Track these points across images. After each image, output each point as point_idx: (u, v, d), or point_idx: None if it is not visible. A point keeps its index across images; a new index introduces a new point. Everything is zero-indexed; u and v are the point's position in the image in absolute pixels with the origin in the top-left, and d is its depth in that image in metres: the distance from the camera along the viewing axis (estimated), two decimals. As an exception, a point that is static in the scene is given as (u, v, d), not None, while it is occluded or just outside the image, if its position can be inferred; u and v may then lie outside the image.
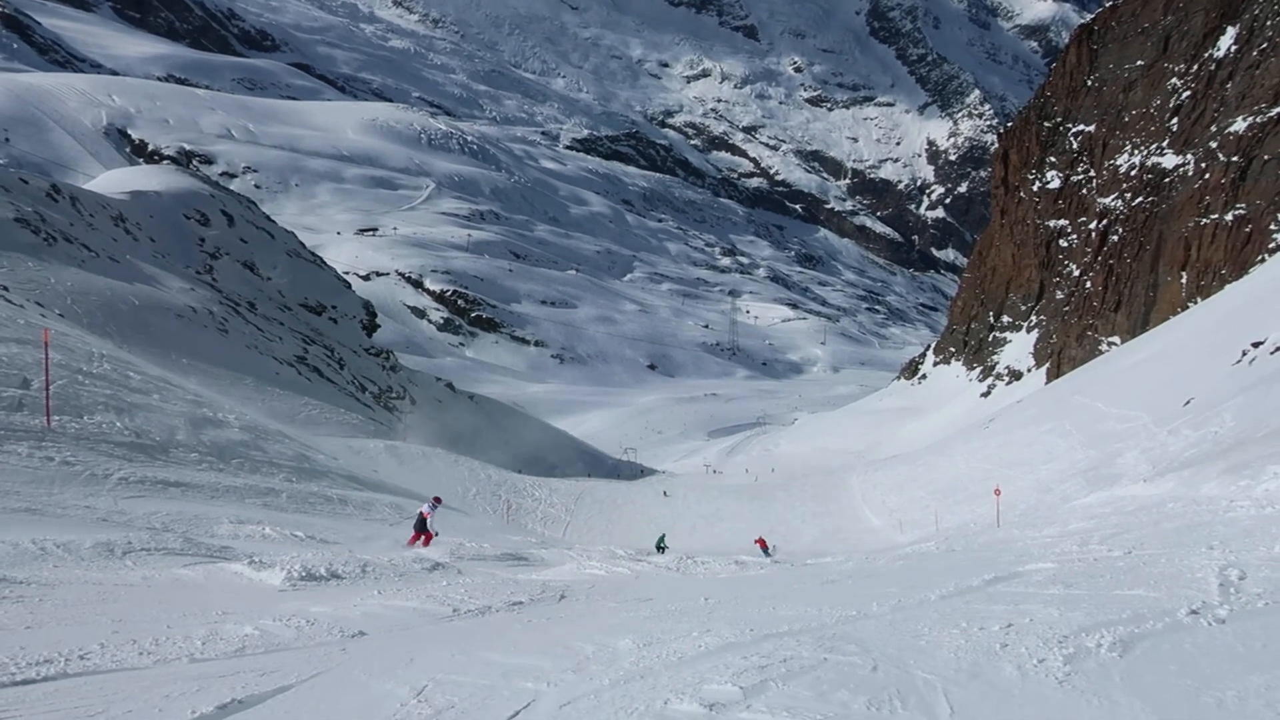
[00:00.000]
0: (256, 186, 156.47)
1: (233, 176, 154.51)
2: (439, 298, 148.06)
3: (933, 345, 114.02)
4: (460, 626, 9.77)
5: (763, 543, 33.85)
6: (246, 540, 15.32)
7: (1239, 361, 34.39)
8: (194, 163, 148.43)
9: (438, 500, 23.67)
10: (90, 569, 10.86)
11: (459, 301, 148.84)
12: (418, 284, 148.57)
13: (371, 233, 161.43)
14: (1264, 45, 58.22)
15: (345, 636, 8.90)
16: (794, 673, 6.21)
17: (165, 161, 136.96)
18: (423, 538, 20.40)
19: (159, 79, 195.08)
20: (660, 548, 30.12)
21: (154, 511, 15.33)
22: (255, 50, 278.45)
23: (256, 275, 66.51)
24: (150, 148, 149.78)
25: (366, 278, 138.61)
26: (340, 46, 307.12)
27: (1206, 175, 60.78)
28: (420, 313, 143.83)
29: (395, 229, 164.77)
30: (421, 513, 21.18)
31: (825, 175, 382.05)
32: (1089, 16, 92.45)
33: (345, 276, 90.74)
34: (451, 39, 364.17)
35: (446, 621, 10.03)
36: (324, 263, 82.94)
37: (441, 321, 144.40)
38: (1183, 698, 5.18)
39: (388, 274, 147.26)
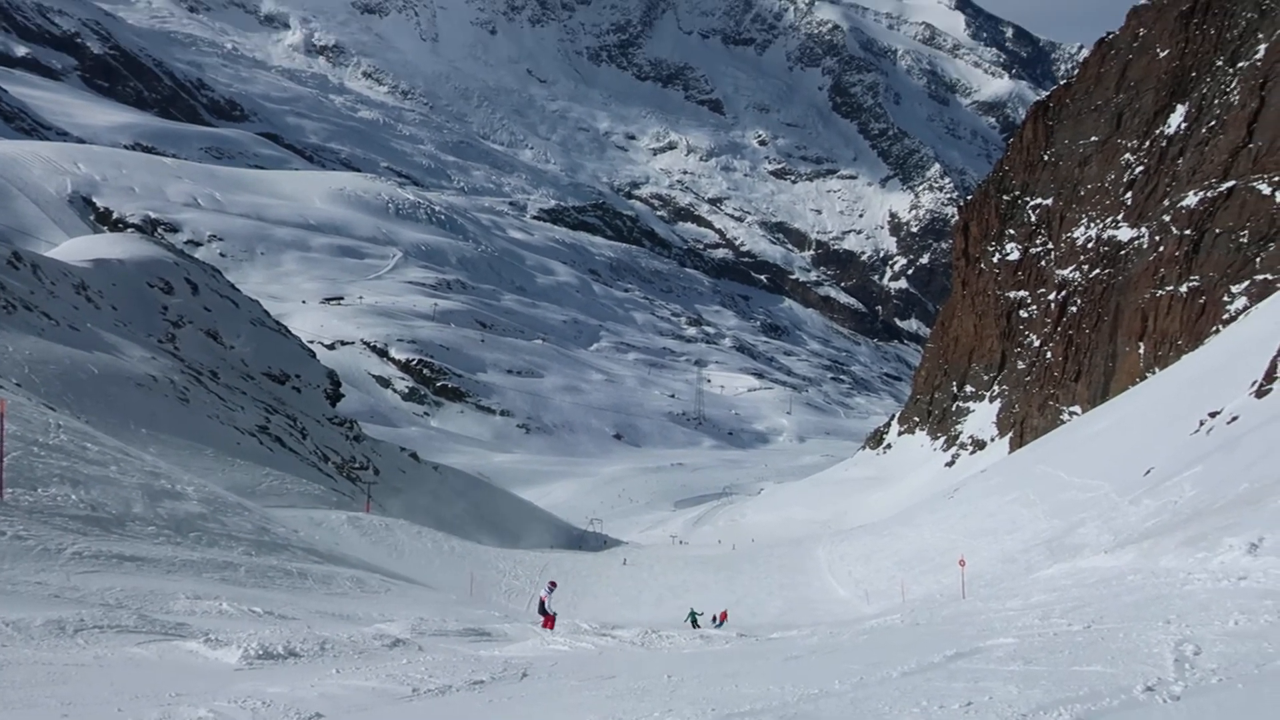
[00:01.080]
0: (222, 255, 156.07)
1: (198, 245, 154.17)
2: (404, 367, 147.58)
3: (897, 415, 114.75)
4: (420, 707, 9.63)
5: (724, 615, 33.83)
6: (203, 616, 15.04)
7: (1197, 431, 34.93)
8: (159, 231, 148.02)
9: (553, 584, 25.00)
10: (40, 648, 10.62)
11: (424, 371, 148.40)
12: (383, 353, 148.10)
13: (337, 301, 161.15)
14: (1212, 123, 60.11)
15: (302, 719, 8.75)
16: (754, 754, 6.18)
17: (130, 229, 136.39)
18: (546, 620, 22.37)
19: (126, 147, 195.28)
20: (695, 623, 30.80)
21: (108, 587, 15.03)
22: (224, 120, 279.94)
23: (220, 344, 66.08)
24: (115, 215, 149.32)
25: (331, 347, 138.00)
26: (309, 116, 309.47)
27: (1161, 248, 62.22)
28: (385, 382, 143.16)
29: (361, 298, 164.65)
30: (540, 597, 23.08)
31: (790, 246, 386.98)
32: (1044, 94, 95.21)
33: (310, 345, 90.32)
34: (420, 110, 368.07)
35: (406, 702, 9.87)
36: (288, 331, 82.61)
37: (406, 391, 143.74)
38: (1137, 777, 5.22)
39: (353, 343, 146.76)
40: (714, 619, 34.10)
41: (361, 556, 32.67)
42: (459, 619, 21.51)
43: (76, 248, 71.52)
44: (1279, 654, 7.15)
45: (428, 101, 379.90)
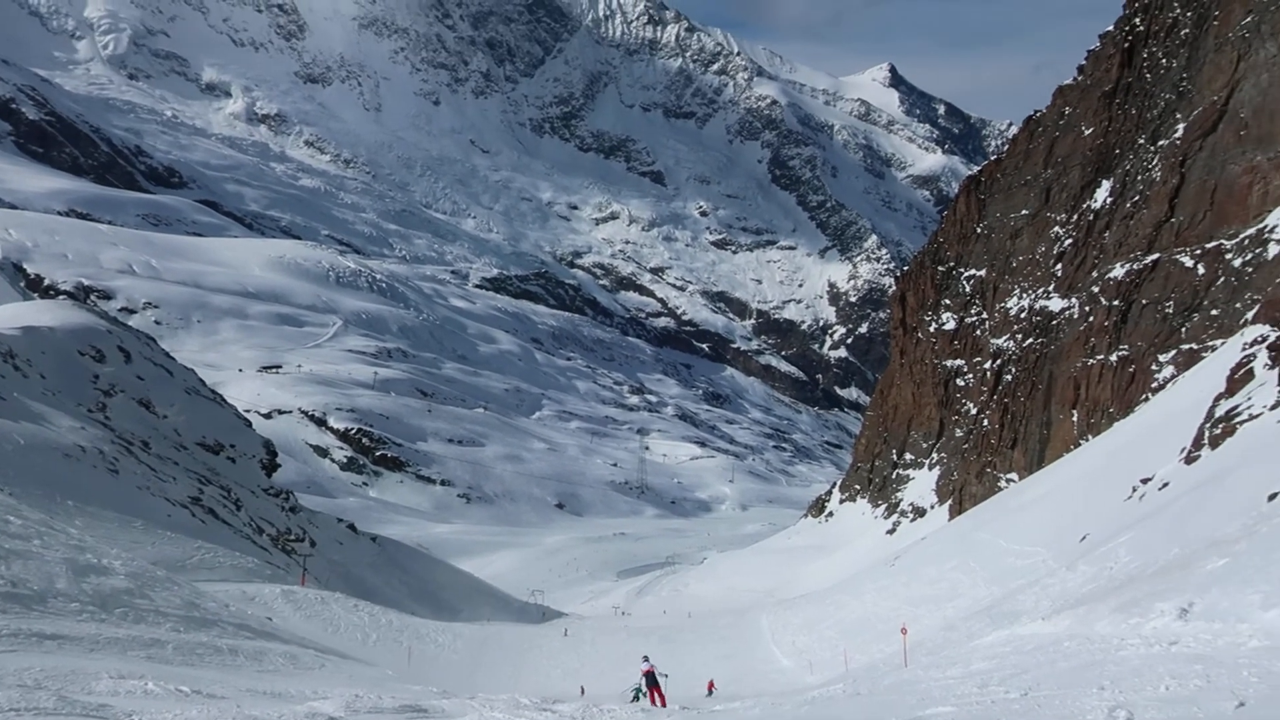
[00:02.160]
0: (157, 323, 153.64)
1: (132, 312, 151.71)
2: (343, 436, 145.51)
3: (839, 483, 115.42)
4: (351, 787, 9.35)
5: (711, 685, 33.79)
6: (127, 697, 14.49)
7: (1129, 497, 35.63)
8: (92, 298, 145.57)
9: (646, 658, 27.19)
10: (-49, 733, 10.16)
11: (363, 440, 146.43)
12: (321, 422, 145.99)
13: (275, 370, 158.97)
14: (1136, 198, 62.29)
15: (227, 802, 8.44)
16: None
17: (62, 296, 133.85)
18: (658, 695, 24.88)
19: (60, 213, 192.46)
20: (637, 696, 27.39)
21: (26, 667, 14.45)
22: (162, 187, 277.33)
23: (152, 413, 64.67)
24: (46, 282, 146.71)
25: (268, 416, 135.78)
26: (249, 184, 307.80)
27: (1091, 318, 63.92)
28: (323, 452, 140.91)
29: (300, 366, 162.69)
30: (645, 671, 25.63)
31: (731, 315, 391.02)
32: (976, 169, 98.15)
33: (246, 415, 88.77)
34: (363, 179, 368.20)
35: (337, 782, 9.58)
36: (224, 401, 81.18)
37: (345, 460, 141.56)
38: (1072, 846, 5.23)
39: (290, 412, 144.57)
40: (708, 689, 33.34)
41: (296, 631, 31.83)
42: (395, 695, 20.98)
43: (5, 315, 69.87)
44: (1209, 719, 7.26)
45: (370, 170, 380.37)
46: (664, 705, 22.87)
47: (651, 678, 25.55)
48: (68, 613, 19.05)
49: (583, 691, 32.24)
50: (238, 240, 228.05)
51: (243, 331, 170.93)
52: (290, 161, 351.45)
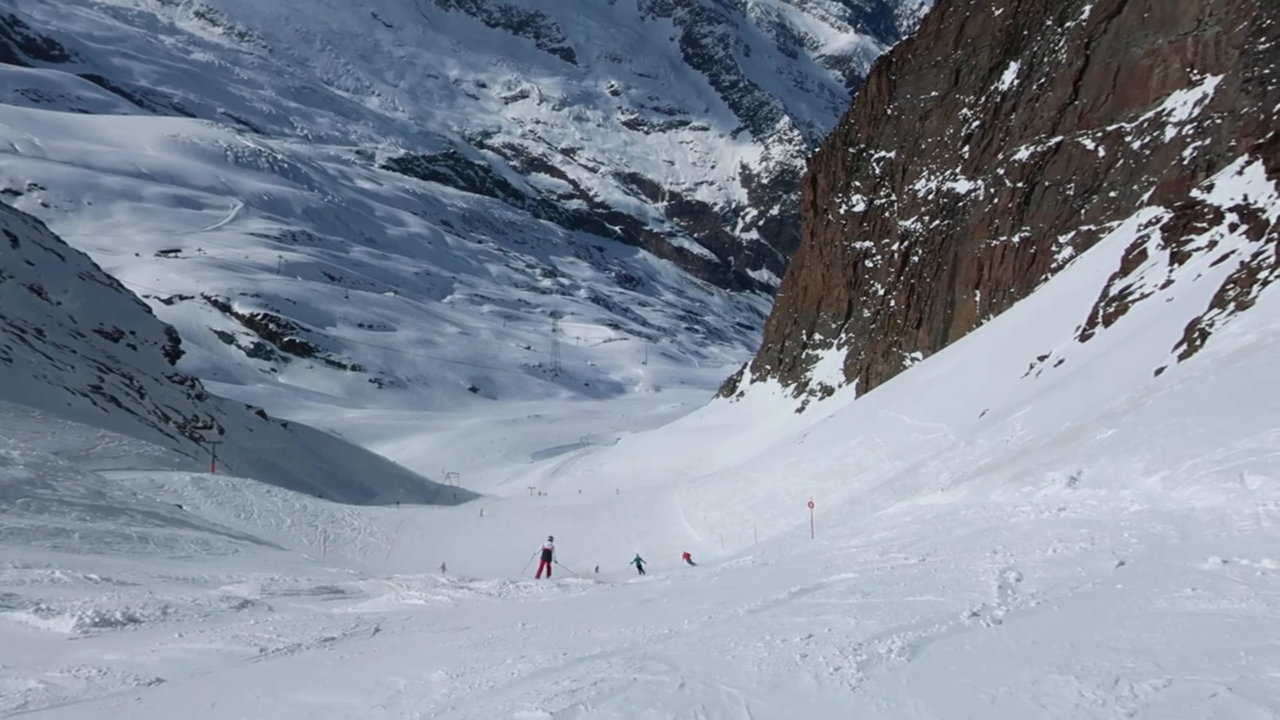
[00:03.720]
0: (44, 205, 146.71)
1: (16, 194, 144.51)
2: (249, 322, 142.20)
3: (749, 363, 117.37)
4: (267, 667, 9.43)
5: (687, 556, 35.34)
6: (33, 586, 14.30)
7: (1027, 374, 36.97)
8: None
9: (550, 538, 31.59)
10: None
11: (270, 326, 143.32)
12: (225, 308, 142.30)
13: (174, 254, 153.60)
14: (1042, 80, 62.95)
15: (141, 685, 8.45)
16: (604, 695, 6.32)
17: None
18: (547, 567, 28.80)
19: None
20: (640, 567, 32.78)
21: (-75, 559, 14.13)
22: (42, 60, 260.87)
23: (45, 300, 62.25)
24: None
25: (169, 301, 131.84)
26: (137, 58, 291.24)
27: (995, 200, 65.12)
28: (228, 338, 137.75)
29: (200, 250, 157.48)
30: (545, 548, 29.80)
31: (643, 197, 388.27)
32: (888, 49, 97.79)
33: (145, 300, 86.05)
34: (259, 53, 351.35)
35: (253, 662, 9.65)
36: (121, 286, 78.49)
37: (251, 347, 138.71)
38: (961, 696, 5.55)
39: (192, 297, 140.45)
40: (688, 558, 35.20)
41: (207, 518, 31.61)
42: (311, 578, 21.09)
43: (-123, 197, 66.00)
44: (1090, 578, 7.69)
45: (266, 44, 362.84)
46: (549, 576, 27.04)
47: (548, 555, 29.75)
48: (-34, 504, 18.59)
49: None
50: (128, 118, 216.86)
51: (138, 214, 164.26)
52: (180, 34, 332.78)
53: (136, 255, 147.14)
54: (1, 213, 68.12)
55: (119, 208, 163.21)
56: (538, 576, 27.11)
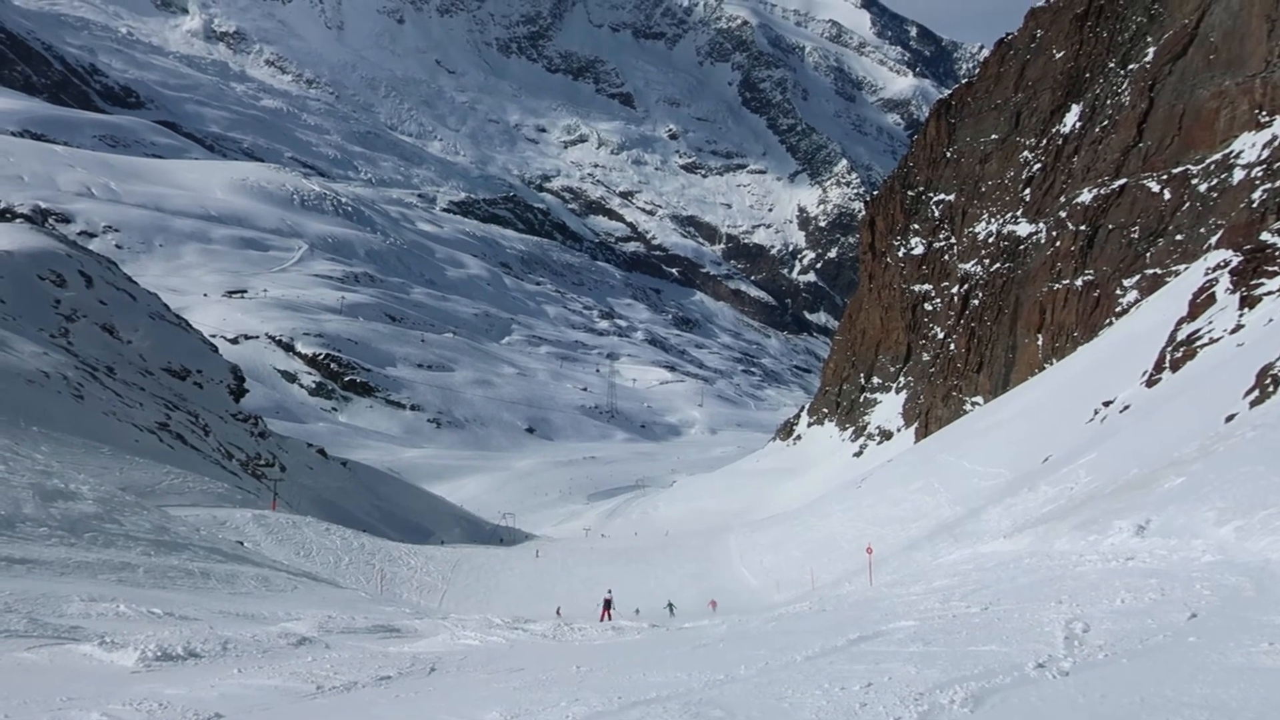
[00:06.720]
0: (118, 246, 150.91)
1: (92, 236, 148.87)
2: (311, 361, 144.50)
3: (807, 406, 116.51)
4: (324, 704, 9.48)
5: (713, 604, 36.89)
6: (99, 619, 14.56)
7: (1092, 419, 36.22)
8: (50, 221, 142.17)
9: (610, 590, 35.39)
10: (-78, 656, 10.17)
11: (332, 365, 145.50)
12: (289, 347, 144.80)
13: (240, 295, 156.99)
14: (1105, 123, 62.27)
15: None
16: (660, 740, 6.25)
17: (19, 220, 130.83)
18: (608, 614, 31.89)
19: (13, 134, 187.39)
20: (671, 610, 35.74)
21: (-4, 591, 14.46)
22: (119, 107, 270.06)
23: (116, 339, 63.92)
24: (2, 205, 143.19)
25: (235, 341, 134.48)
26: (209, 105, 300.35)
27: (1058, 243, 64.28)
28: (291, 377, 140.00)
29: (265, 291, 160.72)
30: (605, 599, 33.79)
31: (701, 240, 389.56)
32: (947, 92, 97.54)
33: (212, 340, 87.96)
34: (326, 100, 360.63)
35: (309, 699, 9.71)
36: (189, 325, 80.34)
37: (313, 386, 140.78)
38: (1028, 750, 5.41)
39: (257, 337, 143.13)
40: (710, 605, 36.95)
41: (267, 555, 31.99)
42: (368, 616, 21.21)
43: (-39, 239, 68.35)
44: (1161, 630, 7.47)
45: (333, 91, 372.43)
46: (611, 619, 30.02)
47: (608, 604, 33.48)
48: (36, 537, 19.02)
49: (559, 612, 32.80)
50: (198, 162, 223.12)
51: (206, 256, 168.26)
52: (251, 81, 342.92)
53: (204, 295, 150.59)
54: (77, 254, 70.26)
55: (188, 249, 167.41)
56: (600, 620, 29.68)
